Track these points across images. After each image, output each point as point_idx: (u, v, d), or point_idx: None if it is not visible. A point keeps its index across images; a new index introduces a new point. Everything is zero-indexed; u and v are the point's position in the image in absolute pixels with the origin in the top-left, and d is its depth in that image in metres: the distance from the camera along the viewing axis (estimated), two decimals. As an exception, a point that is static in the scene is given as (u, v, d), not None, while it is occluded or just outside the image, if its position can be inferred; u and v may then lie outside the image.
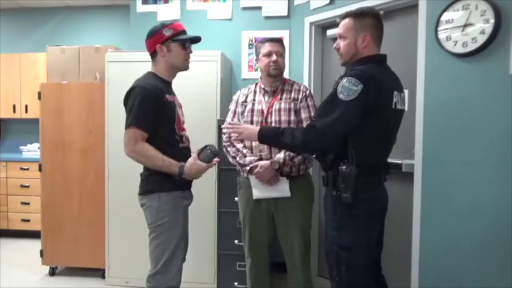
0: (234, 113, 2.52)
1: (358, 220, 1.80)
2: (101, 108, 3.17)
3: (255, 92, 2.50)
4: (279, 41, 2.46)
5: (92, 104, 3.26)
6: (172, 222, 2.05)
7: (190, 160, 2.02)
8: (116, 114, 3.11)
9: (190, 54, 2.16)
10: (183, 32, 2.10)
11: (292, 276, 2.46)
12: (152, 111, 1.95)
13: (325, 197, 1.96)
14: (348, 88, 1.71)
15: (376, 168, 1.86)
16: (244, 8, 3.40)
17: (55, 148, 3.32)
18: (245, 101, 2.48)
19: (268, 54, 2.40)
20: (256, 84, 2.53)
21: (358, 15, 1.86)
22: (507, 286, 1.95)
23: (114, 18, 4.72)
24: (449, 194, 2.15)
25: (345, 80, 1.73)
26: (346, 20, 1.88)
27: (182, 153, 2.07)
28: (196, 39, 2.14)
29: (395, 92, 1.85)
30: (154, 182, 2.05)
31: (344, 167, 1.74)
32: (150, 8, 3.55)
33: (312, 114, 2.38)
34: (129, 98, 1.97)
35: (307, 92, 2.43)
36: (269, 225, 2.43)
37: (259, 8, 3.37)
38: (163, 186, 2.03)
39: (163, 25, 2.07)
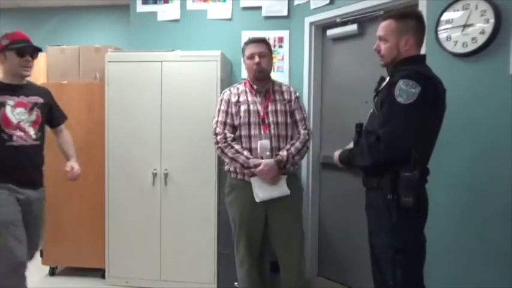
0: (227, 113, 2.43)
1: (415, 222, 1.75)
2: (100, 108, 3.17)
3: (245, 92, 2.47)
4: (262, 41, 2.45)
5: (92, 104, 3.26)
6: None
7: None
8: (116, 114, 3.11)
9: (36, 61, 2.35)
10: (23, 41, 2.25)
11: (288, 276, 2.43)
12: None
13: (372, 199, 1.85)
14: (406, 91, 1.63)
15: (425, 171, 1.79)
16: (244, 8, 3.40)
17: (55, 148, 3.32)
18: (238, 101, 2.43)
19: (251, 57, 2.40)
20: (245, 84, 2.50)
21: (401, 17, 1.80)
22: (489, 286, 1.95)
23: (114, 18, 4.72)
24: (449, 193, 2.15)
25: (401, 83, 1.65)
26: (388, 22, 1.81)
27: (10, 151, 2.18)
28: (36, 49, 2.29)
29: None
30: None
31: (407, 172, 1.64)
32: (150, 8, 3.55)
33: (304, 115, 2.45)
34: None
35: (297, 94, 2.48)
36: (263, 226, 2.43)
37: (259, 8, 3.37)
38: None
39: (4, 35, 2.24)
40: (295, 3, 3.24)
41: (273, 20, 3.35)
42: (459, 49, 2.12)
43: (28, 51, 2.24)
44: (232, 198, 2.47)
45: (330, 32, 2.99)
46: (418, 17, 1.83)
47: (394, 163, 1.68)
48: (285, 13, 3.31)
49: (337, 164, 2.00)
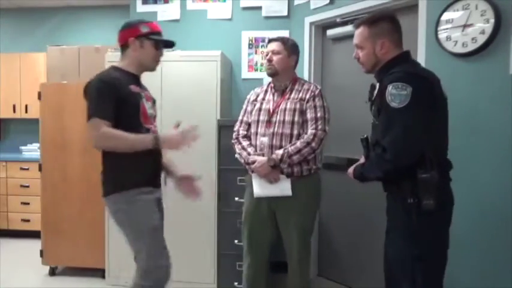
0: (245, 111, 2.54)
1: (438, 227, 1.68)
2: (101, 108, 3.17)
3: (266, 91, 2.50)
4: (277, 39, 2.47)
5: (92, 104, 3.25)
6: (134, 219, 1.99)
7: (169, 131, 1.96)
8: (116, 114, 3.11)
9: (165, 56, 2.14)
10: (159, 33, 2.08)
11: (290, 277, 2.45)
12: (110, 100, 1.89)
13: (393, 204, 1.79)
14: (398, 94, 1.59)
15: (445, 167, 1.72)
16: (244, 8, 3.40)
17: (55, 148, 3.32)
18: (255, 100, 2.50)
19: (266, 54, 2.45)
20: (269, 83, 2.53)
21: (372, 22, 1.77)
22: (506, 286, 1.95)
23: (114, 18, 4.69)
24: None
25: (390, 87, 1.61)
26: (361, 29, 1.79)
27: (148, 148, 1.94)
28: (170, 44, 2.12)
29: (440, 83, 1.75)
30: (111, 183, 2.01)
31: (424, 174, 1.58)
32: (150, 8, 3.55)
33: (319, 114, 2.32)
34: (87, 92, 1.94)
35: (316, 92, 2.37)
36: (271, 225, 2.41)
37: (259, 8, 3.37)
38: (120, 185, 1.98)
39: (142, 21, 2.07)
40: (295, 3, 3.24)
41: (273, 20, 3.35)
42: (459, 49, 2.12)
43: (163, 45, 2.07)
44: (245, 193, 2.53)
45: (330, 32, 2.99)
46: (391, 18, 1.79)
47: (411, 166, 1.62)
48: (285, 13, 3.31)
49: (353, 180, 1.91)
